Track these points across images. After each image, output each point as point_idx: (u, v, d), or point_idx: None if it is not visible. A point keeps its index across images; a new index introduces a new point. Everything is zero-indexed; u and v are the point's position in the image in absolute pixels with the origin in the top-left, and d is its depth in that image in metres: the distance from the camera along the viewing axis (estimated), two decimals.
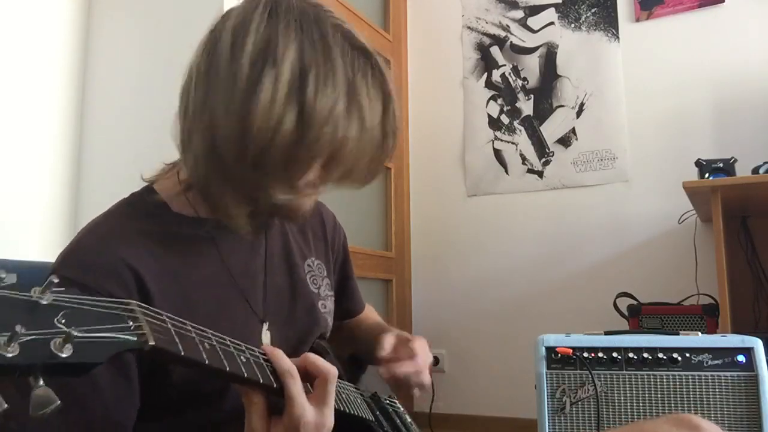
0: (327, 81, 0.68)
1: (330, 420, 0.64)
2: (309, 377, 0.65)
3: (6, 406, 0.36)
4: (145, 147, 1.90)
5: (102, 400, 0.65)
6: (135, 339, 0.47)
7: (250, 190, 0.73)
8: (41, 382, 0.40)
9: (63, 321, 0.41)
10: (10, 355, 0.37)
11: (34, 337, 0.39)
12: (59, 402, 0.40)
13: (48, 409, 0.39)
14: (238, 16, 0.73)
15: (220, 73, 0.70)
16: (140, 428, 0.70)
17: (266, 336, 0.81)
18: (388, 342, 0.89)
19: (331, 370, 0.65)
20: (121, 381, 0.66)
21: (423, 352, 0.90)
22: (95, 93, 2.09)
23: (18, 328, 0.38)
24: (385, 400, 0.91)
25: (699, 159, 2.17)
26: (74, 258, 0.70)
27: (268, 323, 0.82)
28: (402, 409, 0.97)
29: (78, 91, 2.09)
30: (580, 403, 1.43)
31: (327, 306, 0.94)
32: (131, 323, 0.47)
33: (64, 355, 0.40)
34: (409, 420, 0.93)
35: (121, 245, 0.71)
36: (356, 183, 0.78)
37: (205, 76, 0.72)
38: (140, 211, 0.77)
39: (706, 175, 2.10)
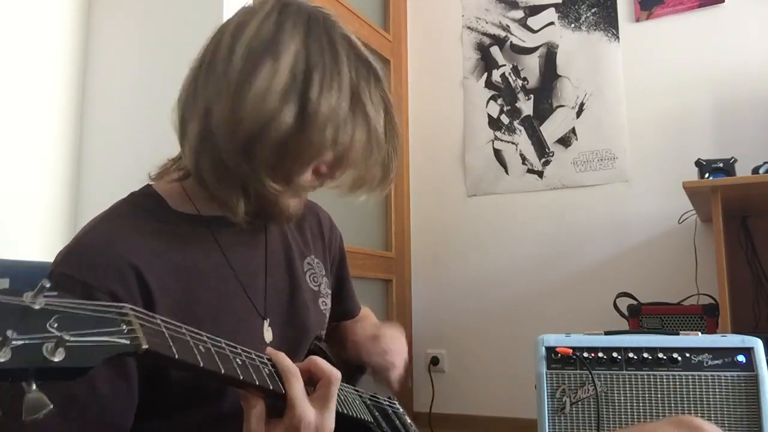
0: (332, 83, 0.70)
1: (331, 423, 0.64)
2: (312, 380, 0.65)
3: (51, 406, 0.37)
4: (145, 147, 1.90)
5: (100, 400, 0.65)
6: (128, 342, 0.47)
7: (243, 180, 0.73)
8: (34, 387, 0.40)
9: (55, 325, 0.41)
10: (1, 360, 0.37)
11: (25, 341, 0.39)
12: (51, 406, 0.40)
13: (40, 414, 0.39)
14: (245, 14, 0.76)
15: (218, 61, 0.73)
16: (139, 428, 0.70)
17: (268, 332, 0.82)
18: (367, 329, 0.94)
19: (335, 373, 0.65)
20: (120, 382, 0.67)
21: (397, 350, 0.94)
22: (95, 93, 2.09)
23: (9, 333, 0.38)
24: (385, 401, 0.91)
25: (699, 159, 2.17)
26: (75, 256, 0.70)
27: (269, 320, 0.82)
28: (401, 410, 0.97)
29: (78, 91, 2.09)
30: (580, 403, 1.43)
31: (327, 303, 0.94)
32: (124, 327, 0.47)
33: (56, 360, 0.40)
34: (409, 421, 0.93)
35: (122, 242, 0.71)
36: (370, 190, 0.82)
37: (207, 66, 0.74)
38: (140, 209, 0.77)
39: (706, 175, 2.10)
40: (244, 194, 0.76)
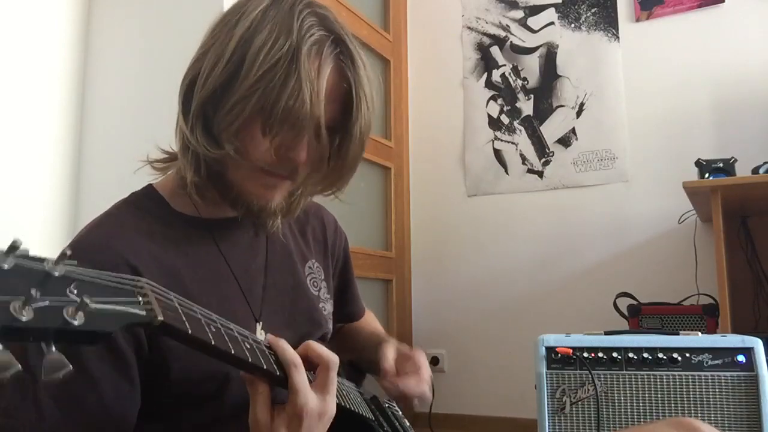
0: (278, 39, 0.70)
1: (332, 407, 0.64)
2: (311, 365, 0.65)
3: (20, 367, 0.37)
4: (145, 147, 1.89)
5: (102, 401, 0.65)
6: (144, 314, 0.48)
7: (207, 150, 0.73)
8: (53, 348, 0.41)
9: (75, 291, 0.42)
10: (24, 318, 0.38)
11: (48, 302, 0.40)
12: (71, 367, 0.41)
13: (60, 373, 0.40)
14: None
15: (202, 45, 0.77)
16: (139, 428, 0.70)
17: (261, 336, 0.82)
18: (390, 354, 0.89)
19: (332, 357, 0.65)
20: (124, 385, 0.67)
21: (425, 365, 0.91)
22: (95, 93, 2.09)
23: (33, 292, 0.39)
24: (385, 403, 0.91)
25: (699, 159, 2.17)
26: (74, 256, 0.70)
27: (262, 323, 0.82)
28: (400, 413, 0.97)
29: (78, 91, 2.09)
30: (580, 403, 1.43)
31: (327, 308, 0.94)
32: (141, 299, 0.48)
33: (76, 323, 0.41)
34: (408, 424, 0.93)
35: (121, 243, 0.71)
36: (323, 181, 0.80)
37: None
38: (141, 209, 0.77)
39: (706, 175, 2.10)
40: (212, 180, 0.75)
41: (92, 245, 0.71)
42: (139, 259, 0.70)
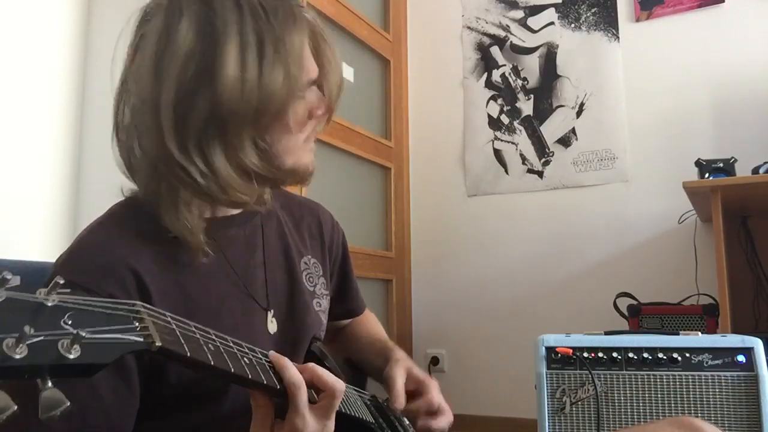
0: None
1: (330, 429, 0.64)
2: (315, 387, 0.65)
3: (15, 408, 0.36)
4: None
5: (101, 405, 0.65)
6: (142, 340, 0.47)
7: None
8: (49, 384, 0.39)
9: (70, 322, 0.41)
10: (18, 356, 0.37)
11: (42, 338, 0.39)
12: (69, 403, 0.39)
13: (57, 411, 0.39)
14: None
15: None
16: (138, 429, 0.70)
17: (272, 324, 0.82)
18: (400, 384, 0.89)
19: (339, 386, 0.65)
20: (121, 385, 0.67)
21: (444, 402, 0.92)
22: (95, 93, 2.09)
23: (26, 329, 0.37)
24: (384, 403, 0.91)
25: (699, 159, 2.17)
26: (74, 260, 0.70)
27: (272, 311, 0.82)
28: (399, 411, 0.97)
29: (78, 91, 2.09)
30: (580, 403, 1.43)
31: (322, 305, 0.94)
32: (137, 324, 0.48)
33: (72, 357, 0.40)
34: (407, 423, 0.93)
35: (120, 246, 0.71)
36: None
37: None
38: (140, 212, 0.77)
39: (706, 175, 2.10)
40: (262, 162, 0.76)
41: (91, 249, 0.71)
42: (140, 262, 0.70)
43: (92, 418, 0.64)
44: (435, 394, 0.91)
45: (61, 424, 0.61)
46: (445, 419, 0.90)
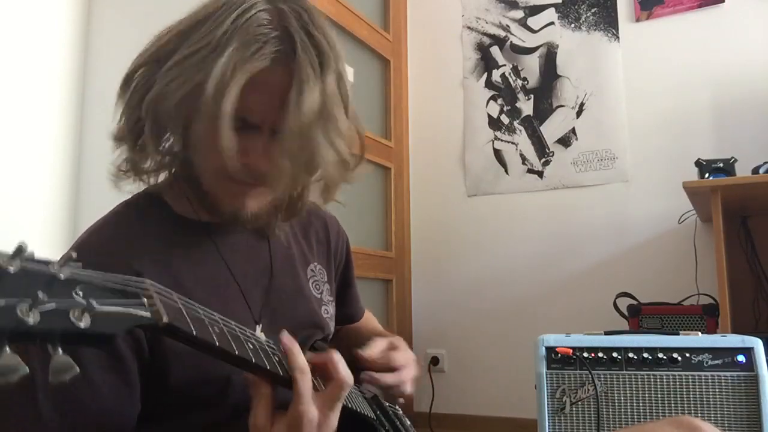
0: (214, 27, 0.71)
1: (334, 423, 0.63)
2: (323, 374, 0.64)
3: (27, 370, 0.38)
4: None
5: (101, 405, 0.65)
6: (149, 315, 0.48)
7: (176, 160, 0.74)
8: (60, 351, 0.41)
9: (81, 293, 0.42)
10: (31, 321, 0.38)
11: (54, 305, 0.40)
12: (78, 369, 0.41)
13: (67, 375, 0.40)
14: None
15: None
16: (141, 429, 0.70)
17: (261, 337, 0.81)
18: (378, 347, 0.87)
19: (348, 379, 0.64)
20: (122, 386, 0.67)
21: (408, 365, 0.88)
22: (95, 93, 2.09)
23: (40, 294, 0.39)
24: (386, 402, 0.91)
25: (699, 159, 2.17)
26: (79, 259, 0.70)
27: (261, 325, 0.82)
28: (401, 411, 0.97)
29: (78, 91, 2.09)
30: (580, 403, 1.43)
31: (329, 311, 0.94)
32: (145, 300, 0.49)
33: (82, 325, 0.41)
34: (408, 423, 0.93)
35: (122, 248, 0.71)
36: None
37: None
38: (142, 212, 0.77)
39: (706, 175, 2.10)
40: (191, 185, 0.76)
41: (93, 249, 0.71)
42: (142, 264, 0.70)
43: (91, 419, 0.64)
44: (400, 356, 0.88)
45: (59, 420, 0.61)
46: (394, 376, 0.85)
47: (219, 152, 0.68)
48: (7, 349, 0.37)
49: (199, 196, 0.77)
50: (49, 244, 1.90)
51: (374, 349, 0.86)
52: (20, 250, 0.39)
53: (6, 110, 1.85)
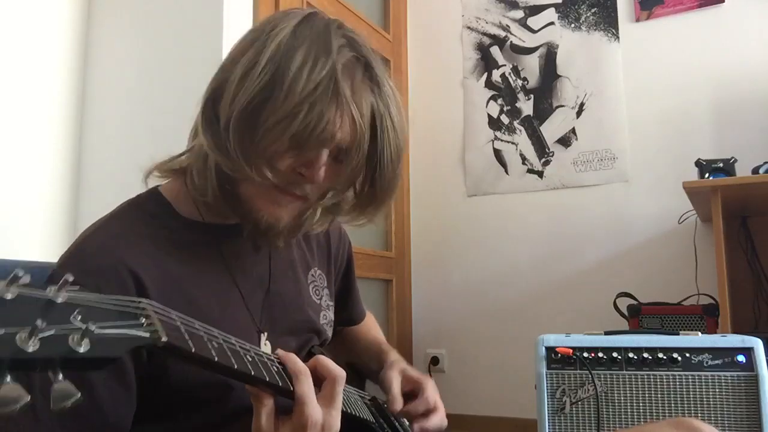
0: (318, 60, 0.69)
1: (337, 422, 0.64)
2: (317, 378, 0.65)
3: (29, 398, 0.38)
4: (144, 147, 1.89)
5: (99, 408, 0.65)
6: (148, 335, 0.48)
7: (233, 167, 0.71)
8: (61, 377, 0.41)
9: (79, 318, 0.42)
10: (31, 349, 0.38)
11: (53, 332, 0.40)
12: (79, 395, 0.41)
13: (69, 402, 0.40)
14: None
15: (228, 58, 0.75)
16: (140, 429, 0.70)
17: (266, 347, 0.81)
18: (396, 386, 0.89)
19: (340, 372, 0.65)
20: (119, 389, 0.67)
21: (439, 399, 0.92)
22: (95, 93, 2.09)
23: (39, 322, 0.39)
24: (384, 404, 0.91)
25: (699, 159, 2.17)
26: (74, 260, 0.70)
27: (266, 333, 0.82)
28: None
29: (78, 91, 2.09)
30: (580, 403, 1.43)
31: (327, 317, 0.94)
32: (143, 320, 0.49)
33: (82, 350, 0.41)
34: (407, 424, 0.93)
35: (123, 248, 0.71)
36: (361, 206, 0.81)
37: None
38: (145, 213, 0.77)
39: (706, 175, 2.10)
40: (222, 194, 0.75)
41: (92, 250, 0.71)
42: (141, 265, 0.70)
43: (88, 420, 0.64)
44: (431, 393, 0.91)
45: (57, 423, 0.61)
46: (438, 417, 0.90)
47: (288, 165, 0.71)
48: (8, 378, 0.37)
49: (216, 198, 0.76)
50: (49, 244, 1.90)
51: (397, 397, 0.88)
52: (15, 277, 0.38)
53: (6, 110, 1.85)
